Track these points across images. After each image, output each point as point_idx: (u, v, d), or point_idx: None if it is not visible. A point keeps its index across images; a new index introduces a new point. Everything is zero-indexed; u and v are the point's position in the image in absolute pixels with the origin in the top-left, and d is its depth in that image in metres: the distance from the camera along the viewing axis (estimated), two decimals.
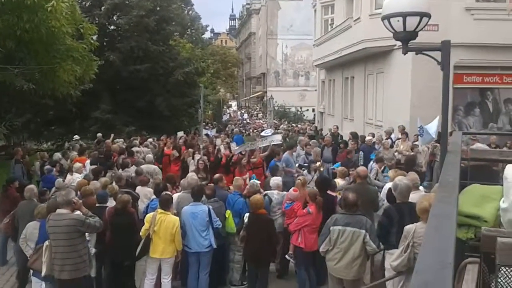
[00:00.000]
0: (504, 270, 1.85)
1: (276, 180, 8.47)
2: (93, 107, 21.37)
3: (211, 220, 6.98)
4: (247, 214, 7.19)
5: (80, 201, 6.28)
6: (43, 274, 6.02)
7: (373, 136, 13.95)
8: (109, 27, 24.66)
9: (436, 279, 1.23)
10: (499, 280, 1.87)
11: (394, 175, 8.08)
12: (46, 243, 5.92)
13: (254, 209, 6.98)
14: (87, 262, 5.99)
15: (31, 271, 6.68)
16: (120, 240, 6.72)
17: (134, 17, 22.97)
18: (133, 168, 10.80)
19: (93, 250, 6.57)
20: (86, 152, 13.37)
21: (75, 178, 9.92)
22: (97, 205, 7.17)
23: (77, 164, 10.79)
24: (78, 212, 6.02)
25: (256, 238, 6.91)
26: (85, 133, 21.99)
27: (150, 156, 12.36)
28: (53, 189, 8.97)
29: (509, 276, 1.84)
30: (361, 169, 8.24)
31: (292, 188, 7.66)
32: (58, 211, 5.84)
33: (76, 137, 19.18)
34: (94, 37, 14.65)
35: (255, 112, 55.33)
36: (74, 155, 12.50)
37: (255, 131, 28.66)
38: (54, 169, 10.96)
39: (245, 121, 39.14)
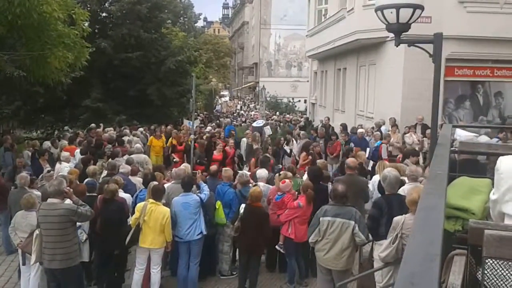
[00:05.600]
0: (491, 262, 1.87)
1: (262, 173, 8.49)
2: (83, 95, 21.17)
3: (202, 203, 6.99)
4: (243, 205, 7.16)
5: (71, 190, 6.26)
6: (32, 262, 6.01)
7: (360, 127, 14.04)
8: (100, 14, 24.37)
9: (423, 270, 1.23)
10: (485, 272, 1.89)
11: (379, 168, 8.14)
12: (36, 231, 5.89)
13: (253, 201, 6.96)
14: (77, 252, 5.99)
15: (20, 262, 6.68)
16: (109, 229, 6.71)
17: (126, 4, 22.74)
18: (124, 158, 10.76)
19: (84, 236, 6.58)
20: (77, 140, 13.27)
21: (63, 167, 9.89)
22: (87, 194, 7.16)
23: (65, 153, 10.73)
24: (68, 201, 6.00)
25: (251, 230, 6.91)
26: (75, 122, 21.86)
27: (138, 145, 12.31)
28: (39, 178, 8.94)
29: (495, 268, 1.86)
30: (350, 160, 8.26)
31: (281, 180, 7.67)
32: (50, 200, 5.82)
33: (66, 128, 19.09)
34: (86, 24, 14.49)
35: (247, 102, 55.23)
36: (64, 144, 12.43)
37: (247, 121, 28.62)
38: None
39: (235, 113, 39.04)
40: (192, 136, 13.43)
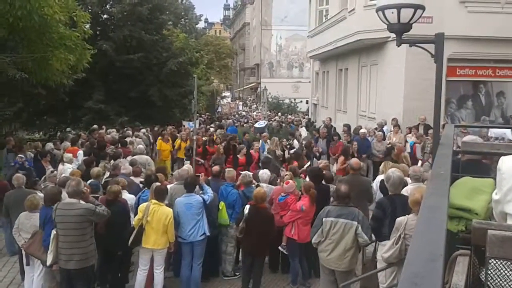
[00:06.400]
0: (494, 262, 1.87)
1: (264, 173, 8.49)
2: (85, 96, 21.21)
3: (205, 204, 7.00)
4: (247, 206, 7.11)
5: (88, 190, 6.33)
6: (48, 263, 6.01)
7: (360, 128, 14.04)
8: (102, 15, 24.41)
9: (426, 270, 1.23)
10: (489, 272, 1.89)
11: (384, 168, 8.12)
12: (54, 232, 5.90)
13: (257, 202, 6.92)
14: (93, 252, 6.01)
15: (24, 262, 6.69)
16: (112, 230, 6.72)
17: (127, 5, 22.79)
18: (129, 159, 10.79)
19: None
20: (79, 142, 13.30)
21: (66, 168, 9.91)
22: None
23: (68, 155, 10.76)
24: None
25: (256, 231, 6.86)
26: (77, 123, 21.90)
27: (141, 146, 12.33)
28: (42, 179, 8.96)
29: (499, 268, 1.86)
30: (354, 161, 8.26)
31: (285, 181, 7.68)
32: (68, 200, 5.85)
33: (69, 129, 19.10)
34: (87, 26, 14.51)
35: (249, 103, 55.25)
36: (67, 145, 12.46)
37: (249, 122, 28.62)
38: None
39: (238, 114, 38.97)
40: (194, 137, 13.38)
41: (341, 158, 10.90)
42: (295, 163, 10.32)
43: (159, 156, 14.46)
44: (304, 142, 14.27)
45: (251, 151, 12.60)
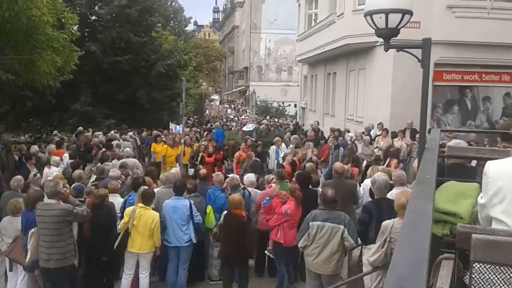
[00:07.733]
0: (478, 266, 1.88)
1: (250, 177, 8.46)
2: (72, 99, 21.06)
3: (192, 215, 6.95)
4: (225, 212, 7.08)
5: (68, 191, 6.30)
6: (27, 260, 5.99)
7: (348, 132, 14.08)
8: (90, 17, 24.30)
9: (411, 274, 1.23)
10: (473, 276, 1.90)
11: (371, 172, 8.16)
12: (33, 230, 5.91)
13: (231, 208, 6.88)
14: (72, 252, 5.99)
15: (7, 267, 6.61)
16: (98, 235, 6.65)
17: (116, 7, 22.69)
18: (114, 162, 10.70)
19: None
20: (64, 145, 13.16)
21: (52, 171, 9.80)
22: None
23: (55, 158, 10.65)
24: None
25: (230, 239, 6.81)
26: (64, 126, 21.70)
27: (129, 149, 12.25)
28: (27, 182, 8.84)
29: (483, 272, 1.87)
30: (338, 165, 8.27)
31: (267, 185, 7.68)
32: (46, 200, 5.88)
33: (55, 132, 18.93)
34: (75, 27, 14.42)
35: (237, 106, 55.27)
36: (52, 148, 12.34)
37: (237, 126, 28.63)
38: None
39: (226, 118, 38.96)
40: (182, 141, 13.31)
41: (394, 161, 10.29)
42: (355, 169, 9.89)
43: (163, 164, 13.88)
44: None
45: (294, 158, 11.94)
